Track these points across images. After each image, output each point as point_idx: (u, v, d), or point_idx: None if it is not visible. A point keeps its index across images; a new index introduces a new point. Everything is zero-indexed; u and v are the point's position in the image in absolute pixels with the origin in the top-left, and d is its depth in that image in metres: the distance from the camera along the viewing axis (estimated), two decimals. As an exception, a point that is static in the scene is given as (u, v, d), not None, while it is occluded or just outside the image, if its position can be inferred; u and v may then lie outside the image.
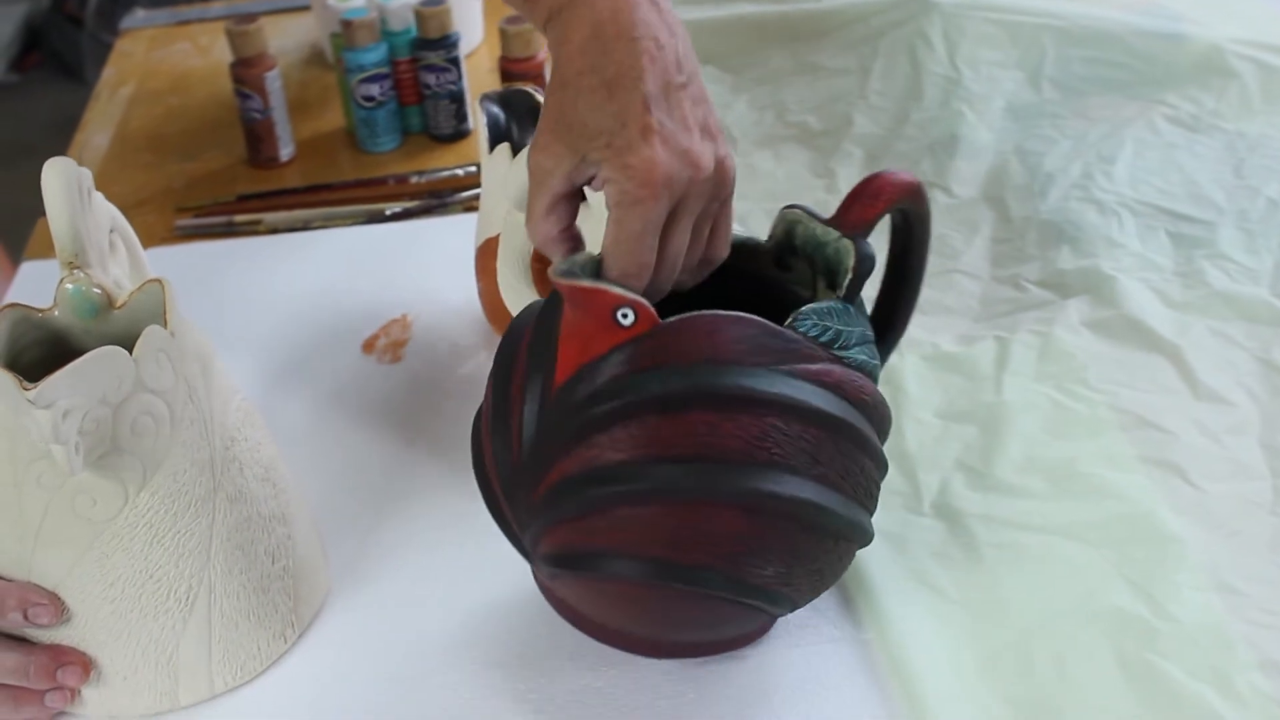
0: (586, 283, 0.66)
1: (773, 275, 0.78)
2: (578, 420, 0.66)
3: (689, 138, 0.67)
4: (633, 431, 0.65)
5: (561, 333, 0.68)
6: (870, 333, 0.73)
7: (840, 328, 0.70)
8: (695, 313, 0.67)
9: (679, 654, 0.75)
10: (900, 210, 0.77)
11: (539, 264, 0.92)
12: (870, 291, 0.76)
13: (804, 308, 0.69)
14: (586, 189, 0.70)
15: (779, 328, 0.68)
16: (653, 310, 0.66)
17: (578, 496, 0.67)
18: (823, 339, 0.69)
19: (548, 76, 1.27)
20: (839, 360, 0.69)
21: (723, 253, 0.73)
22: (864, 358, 0.70)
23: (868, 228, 0.73)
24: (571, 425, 0.66)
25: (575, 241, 0.71)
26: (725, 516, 0.66)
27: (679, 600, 0.68)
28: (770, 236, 0.77)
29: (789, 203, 0.77)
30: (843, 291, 0.72)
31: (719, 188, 0.69)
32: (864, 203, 0.73)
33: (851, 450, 0.69)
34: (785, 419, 0.66)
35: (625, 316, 0.66)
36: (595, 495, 0.66)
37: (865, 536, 0.72)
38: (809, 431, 0.67)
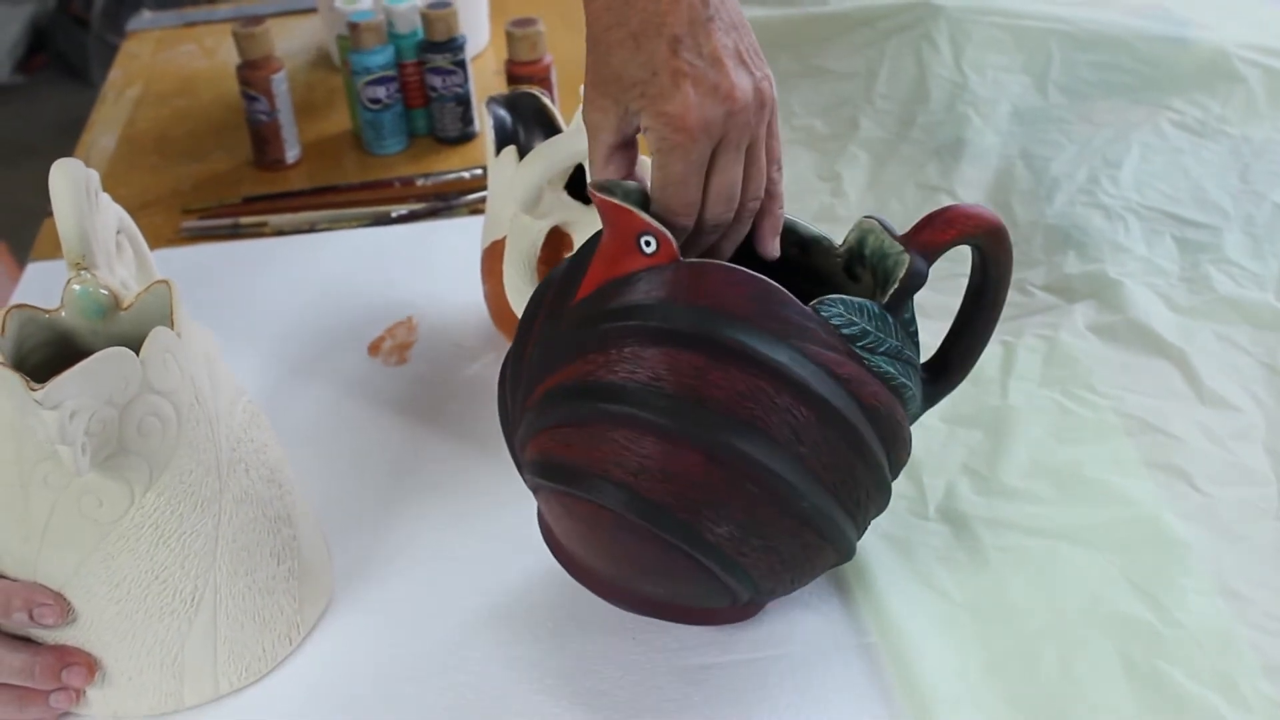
0: (617, 201, 0.69)
1: (839, 280, 0.78)
2: (580, 334, 0.69)
3: (720, 72, 0.68)
4: (625, 356, 0.67)
5: (596, 253, 0.70)
6: (910, 352, 0.73)
7: (869, 328, 0.70)
8: (718, 261, 0.69)
9: (642, 609, 0.75)
10: (977, 246, 0.76)
11: (545, 266, 0.92)
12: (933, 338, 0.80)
13: (832, 295, 0.70)
14: None
15: (799, 303, 0.68)
16: (674, 243, 0.68)
17: (562, 407, 0.69)
18: (845, 331, 0.69)
19: (554, 80, 1.28)
20: (859, 360, 0.69)
21: (762, 181, 0.73)
22: (891, 369, 0.70)
23: (936, 252, 0.73)
24: (574, 338, 0.69)
25: (641, 190, 0.73)
26: (690, 459, 0.67)
27: (637, 538, 0.69)
28: (844, 242, 0.77)
29: (868, 213, 0.76)
30: (885, 298, 0.72)
31: (759, 113, 0.70)
32: (936, 227, 0.73)
33: (843, 447, 0.69)
34: (775, 386, 0.66)
35: (648, 244, 0.68)
36: (578, 408, 0.69)
37: (842, 539, 0.72)
38: (799, 409, 0.67)
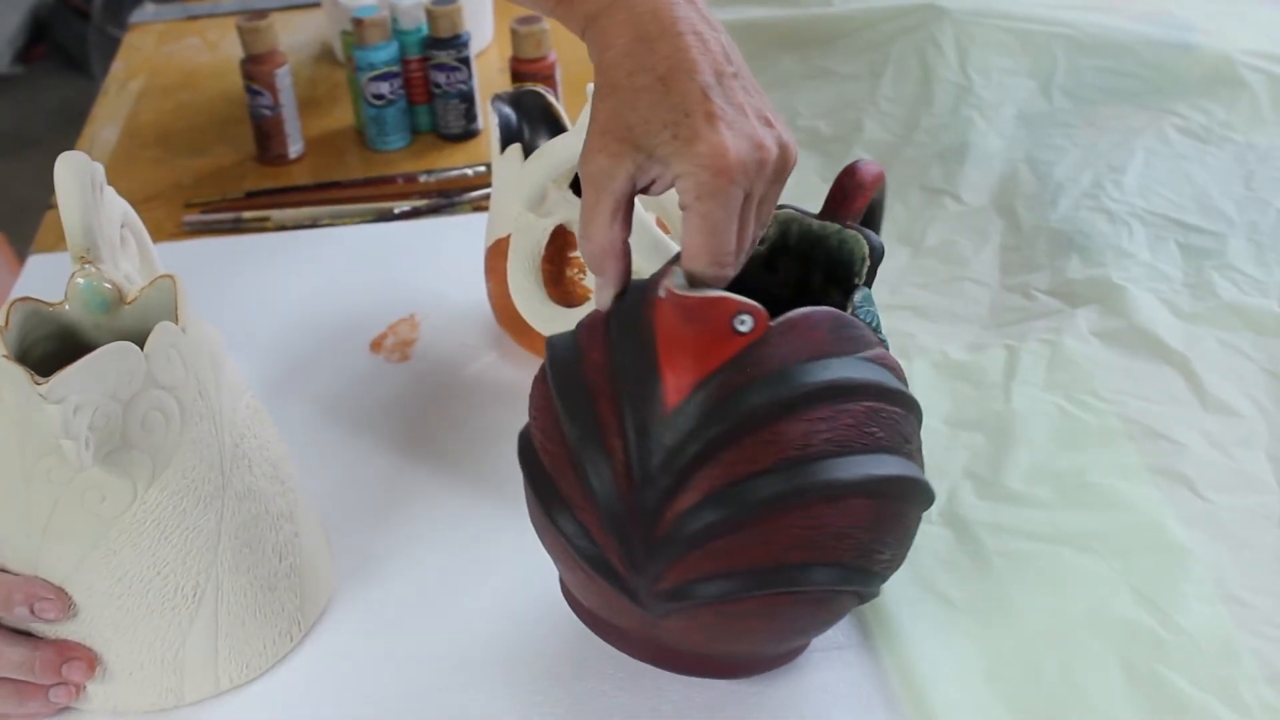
0: (712, 293, 0.63)
1: (758, 274, 0.78)
2: (702, 442, 0.64)
3: (749, 123, 0.65)
4: (763, 440, 0.64)
5: (662, 349, 0.64)
6: None
7: (876, 312, 0.72)
8: (791, 312, 0.66)
9: (761, 669, 0.74)
10: (874, 200, 0.79)
11: (549, 265, 0.92)
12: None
13: (856, 295, 0.71)
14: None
15: (851, 317, 0.69)
16: (765, 312, 0.64)
17: (713, 520, 0.64)
18: (872, 324, 0.70)
19: (558, 78, 1.28)
20: (883, 343, 0.70)
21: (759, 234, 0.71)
22: (885, 337, 0.72)
23: (860, 217, 0.75)
24: (695, 448, 0.64)
25: (630, 256, 0.69)
26: (855, 507, 0.66)
27: (804, 604, 0.68)
28: (763, 240, 0.77)
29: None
30: (863, 279, 0.73)
31: (780, 173, 0.67)
32: (853, 196, 0.75)
33: (915, 424, 0.71)
34: (879, 402, 0.67)
35: (743, 323, 0.64)
36: (732, 515, 0.64)
37: (931, 499, 0.73)
38: (895, 411, 0.68)
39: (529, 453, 0.70)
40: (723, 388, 0.64)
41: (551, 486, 0.68)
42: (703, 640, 0.69)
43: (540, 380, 0.71)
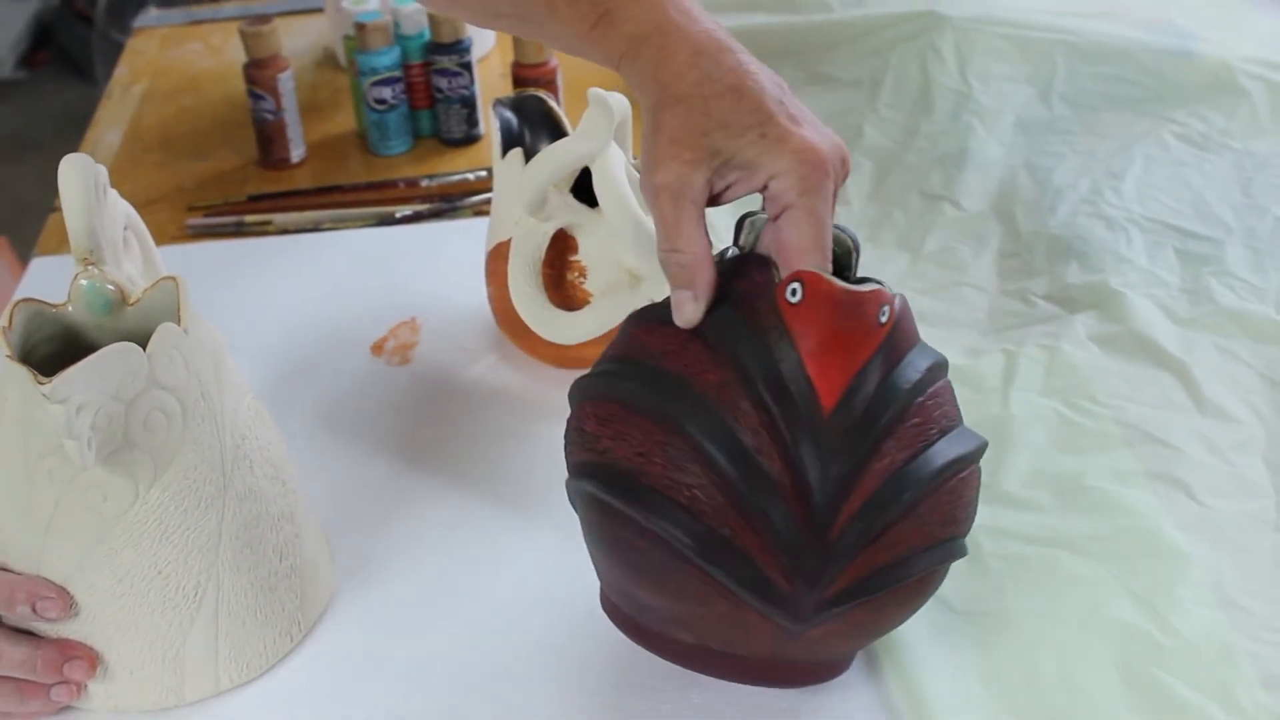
0: (868, 287, 0.64)
1: None
2: (866, 437, 0.64)
3: (820, 126, 0.67)
4: (911, 425, 0.65)
5: (804, 351, 0.63)
6: None
7: None
8: (898, 294, 0.66)
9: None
10: None
11: (550, 269, 0.92)
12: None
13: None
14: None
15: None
16: (902, 299, 0.66)
17: (883, 513, 0.64)
18: None
19: (560, 83, 1.28)
20: None
21: None
22: None
23: None
24: (862, 445, 0.64)
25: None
26: (973, 476, 0.69)
27: (931, 583, 0.69)
28: (739, 246, 0.77)
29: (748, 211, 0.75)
30: (854, 271, 0.72)
31: (846, 173, 0.69)
32: None
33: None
34: (948, 376, 0.70)
35: (884, 314, 0.64)
36: (897, 505, 0.64)
37: None
38: (949, 382, 0.70)
39: (662, 508, 0.65)
40: (871, 380, 0.64)
41: (694, 524, 0.64)
42: (839, 643, 0.69)
43: (655, 429, 0.65)
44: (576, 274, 0.93)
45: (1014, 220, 1.12)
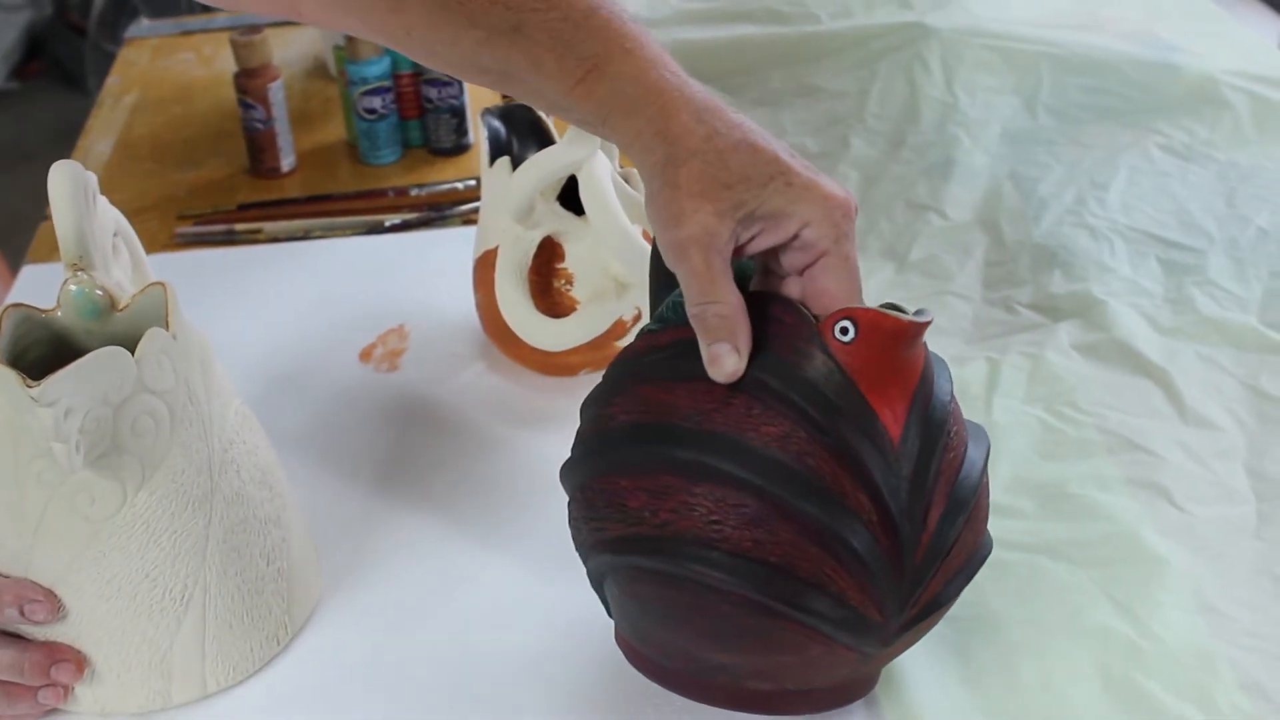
0: (922, 317, 0.63)
1: None
2: (930, 458, 0.64)
3: (830, 179, 0.67)
4: (952, 434, 0.66)
5: (866, 388, 0.63)
6: None
7: None
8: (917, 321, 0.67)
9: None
10: None
11: (536, 276, 0.93)
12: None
13: None
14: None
15: None
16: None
17: (950, 527, 0.65)
18: None
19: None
20: None
21: None
22: None
23: None
24: (927, 467, 0.64)
25: None
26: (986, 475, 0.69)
27: None
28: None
29: None
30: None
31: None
32: None
33: None
34: None
35: (919, 338, 0.65)
36: (964, 514, 0.66)
37: None
38: None
39: (751, 571, 0.63)
40: (921, 403, 0.64)
41: (786, 578, 0.63)
42: (897, 651, 0.69)
43: (728, 494, 0.63)
44: (563, 281, 0.93)
45: (999, 230, 1.13)
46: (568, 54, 0.67)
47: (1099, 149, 1.22)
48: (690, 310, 0.65)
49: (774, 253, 0.67)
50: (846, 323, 0.63)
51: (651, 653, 0.70)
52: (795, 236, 0.65)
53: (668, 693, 0.74)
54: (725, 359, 0.63)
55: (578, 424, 0.70)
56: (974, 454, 0.67)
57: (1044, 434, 0.91)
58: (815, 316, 0.65)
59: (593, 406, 0.69)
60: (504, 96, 1.28)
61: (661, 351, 0.67)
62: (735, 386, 0.64)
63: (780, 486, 0.62)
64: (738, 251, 0.66)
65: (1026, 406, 0.93)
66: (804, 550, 0.63)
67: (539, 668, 0.77)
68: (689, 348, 0.65)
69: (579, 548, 0.70)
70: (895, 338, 0.63)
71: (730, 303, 0.64)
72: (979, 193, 1.18)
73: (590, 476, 0.67)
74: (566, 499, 0.70)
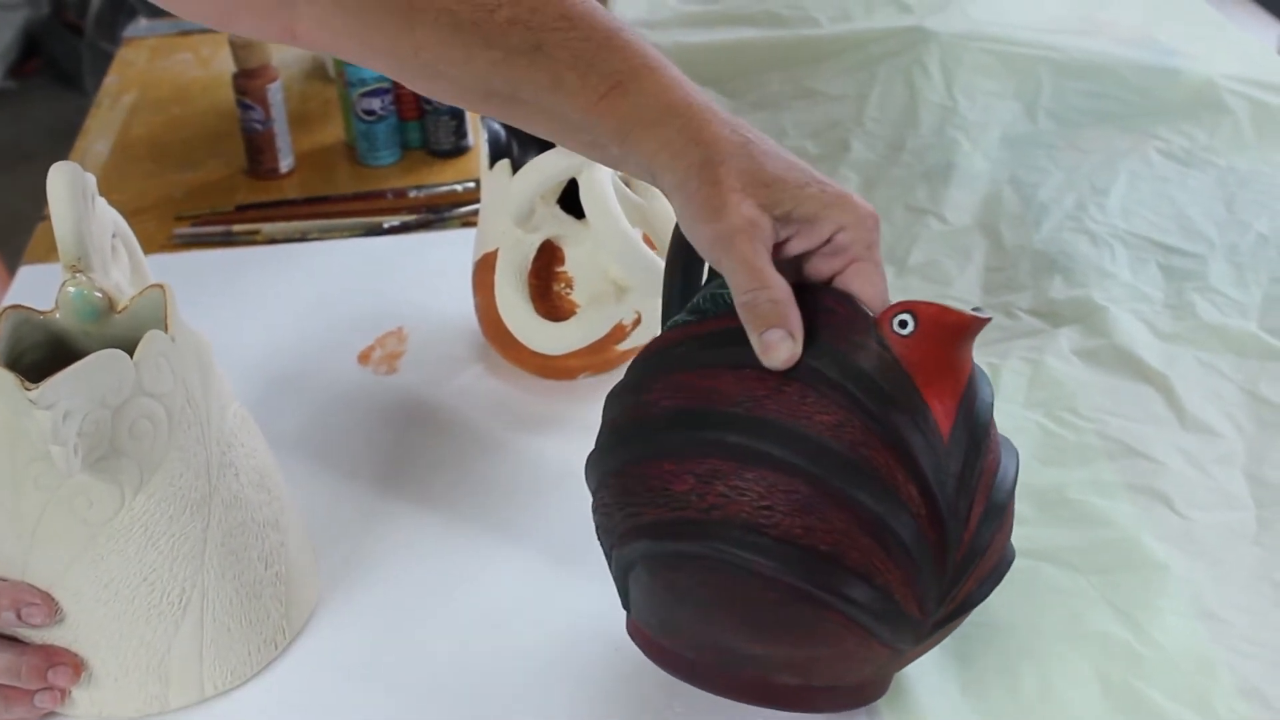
0: (983, 313, 0.64)
1: None
2: (976, 455, 0.64)
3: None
4: (993, 434, 0.66)
5: (920, 381, 0.63)
6: None
7: None
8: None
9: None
10: None
11: (536, 280, 0.93)
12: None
13: None
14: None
15: None
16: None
17: (987, 529, 0.65)
18: None
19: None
20: None
21: None
22: None
23: None
24: (973, 466, 0.64)
25: None
26: None
27: None
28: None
29: None
30: None
31: None
32: None
33: None
34: None
35: (975, 335, 0.65)
36: (1001, 515, 0.66)
37: None
38: None
39: (799, 558, 0.63)
40: (969, 402, 0.64)
41: (834, 566, 0.62)
42: (920, 653, 0.69)
43: (779, 480, 0.62)
44: (563, 285, 0.93)
45: (999, 235, 1.13)
46: (590, 71, 0.67)
47: (1099, 154, 1.22)
48: (740, 299, 0.64)
49: (801, 261, 0.67)
50: (906, 316, 0.63)
51: (676, 645, 0.69)
52: (828, 241, 0.66)
53: (670, 693, 0.74)
54: (780, 345, 0.63)
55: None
56: (1007, 460, 0.67)
57: (1044, 439, 0.91)
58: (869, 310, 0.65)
59: (627, 395, 0.68)
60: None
61: (701, 341, 0.67)
62: (788, 374, 0.63)
63: (834, 474, 0.62)
64: (774, 252, 0.65)
65: (1026, 412, 0.93)
66: (855, 540, 0.62)
67: (538, 669, 0.77)
68: (734, 337, 0.64)
69: (606, 536, 0.69)
70: (956, 333, 0.63)
71: (782, 288, 0.64)
72: (979, 197, 1.18)
73: (627, 462, 0.66)
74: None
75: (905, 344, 0.63)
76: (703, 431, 0.64)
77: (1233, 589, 0.80)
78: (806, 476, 0.62)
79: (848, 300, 0.65)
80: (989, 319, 0.64)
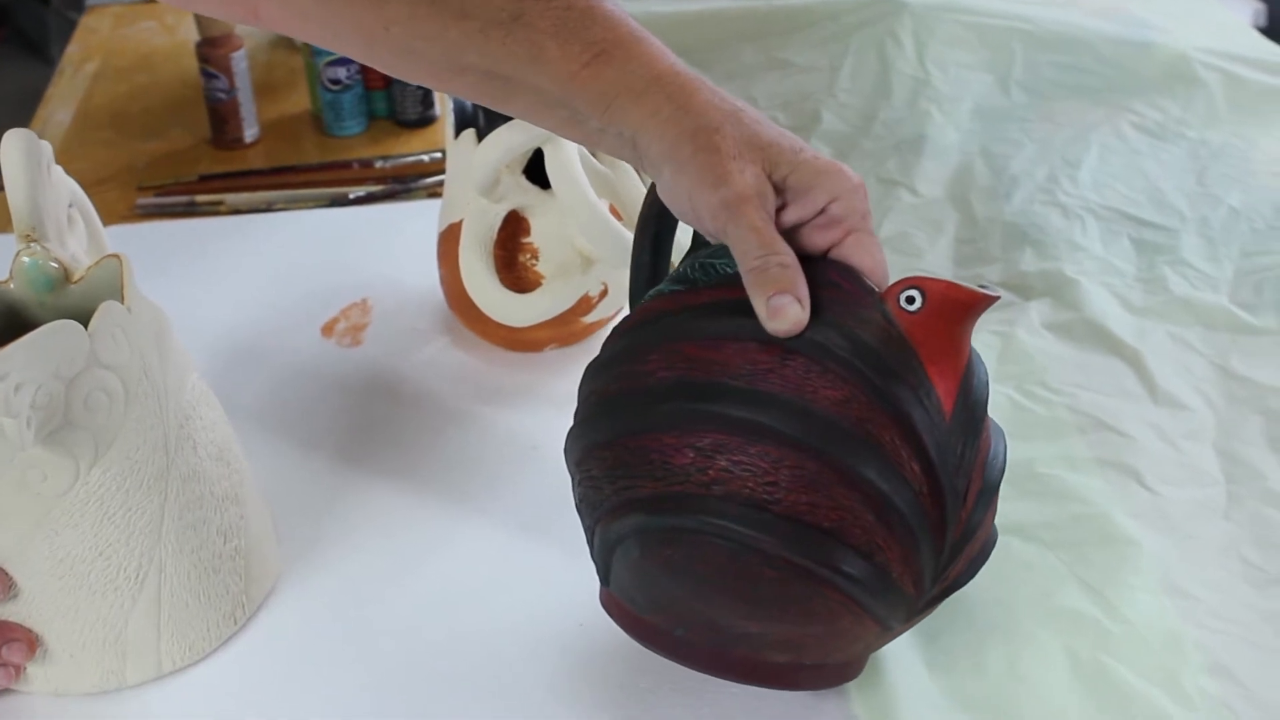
0: (992, 290, 0.62)
1: None
2: (974, 436, 0.64)
3: None
4: (987, 406, 0.65)
5: (925, 358, 0.62)
6: None
7: None
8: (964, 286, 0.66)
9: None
10: None
11: (501, 251, 0.92)
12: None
13: None
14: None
15: None
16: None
17: (981, 509, 0.65)
18: None
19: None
20: None
21: None
22: None
23: None
24: (972, 445, 0.63)
25: None
26: None
27: None
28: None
29: None
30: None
31: None
32: None
33: None
34: None
35: (982, 312, 0.64)
36: (993, 496, 0.65)
37: None
38: None
39: (802, 535, 0.61)
40: (969, 380, 0.64)
41: (836, 544, 0.61)
42: (903, 631, 0.68)
43: (784, 454, 0.61)
44: (529, 256, 0.92)
45: (970, 207, 1.12)
46: (573, 39, 0.66)
47: (1071, 126, 1.21)
48: (749, 264, 0.63)
49: (794, 234, 0.66)
50: (914, 292, 0.62)
51: (663, 622, 0.67)
52: (822, 211, 0.65)
53: (637, 668, 0.73)
54: (789, 309, 0.61)
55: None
56: (997, 442, 0.67)
57: (1014, 413, 0.91)
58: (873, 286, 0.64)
59: (616, 365, 0.66)
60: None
61: (697, 311, 0.65)
62: (792, 348, 0.62)
63: (839, 450, 0.61)
64: None
65: (997, 385, 0.93)
66: (858, 516, 0.61)
67: (502, 644, 0.76)
68: (734, 307, 0.63)
69: (591, 510, 0.67)
70: (964, 310, 0.62)
71: (790, 254, 0.63)
72: (950, 169, 1.17)
73: (620, 434, 0.65)
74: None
75: (912, 320, 0.62)
76: (704, 404, 0.62)
77: (1202, 565, 0.80)
78: (813, 453, 0.61)
79: (852, 274, 0.64)
80: (998, 296, 0.62)
